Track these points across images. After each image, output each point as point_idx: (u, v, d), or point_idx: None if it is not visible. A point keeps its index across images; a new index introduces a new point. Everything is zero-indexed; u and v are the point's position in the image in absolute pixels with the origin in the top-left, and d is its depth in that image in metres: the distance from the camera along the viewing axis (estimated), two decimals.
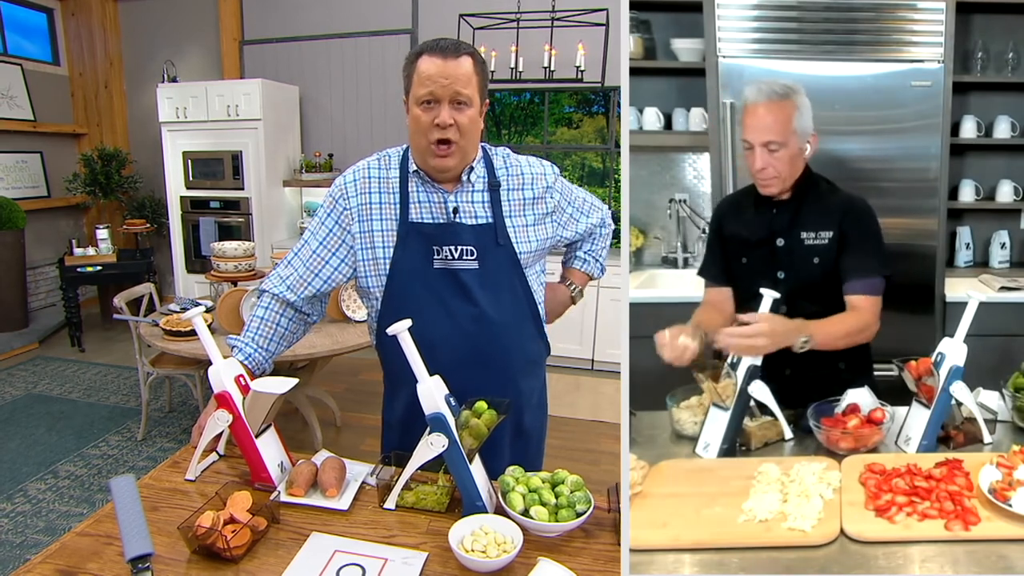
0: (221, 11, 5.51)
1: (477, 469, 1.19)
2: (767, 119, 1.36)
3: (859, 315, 1.35)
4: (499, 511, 1.17)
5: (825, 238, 1.40)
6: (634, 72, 2.36)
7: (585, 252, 1.68)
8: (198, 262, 5.39)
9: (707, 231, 1.57)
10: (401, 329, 1.15)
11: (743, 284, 1.47)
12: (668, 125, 2.52)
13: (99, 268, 4.93)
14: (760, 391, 1.26)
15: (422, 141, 1.32)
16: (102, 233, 5.10)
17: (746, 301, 1.42)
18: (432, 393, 1.15)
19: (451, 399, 1.18)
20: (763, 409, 1.29)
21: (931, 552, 0.97)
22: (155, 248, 5.67)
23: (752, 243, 1.46)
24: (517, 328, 1.45)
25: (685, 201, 2.56)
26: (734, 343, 1.27)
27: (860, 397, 1.28)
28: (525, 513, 1.14)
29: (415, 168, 1.39)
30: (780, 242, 1.44)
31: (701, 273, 1.57)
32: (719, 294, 1.53)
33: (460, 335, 1.39)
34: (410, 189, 1.39)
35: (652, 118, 2.49)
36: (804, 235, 1.41)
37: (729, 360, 1.29)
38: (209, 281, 3.55)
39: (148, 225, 5.59)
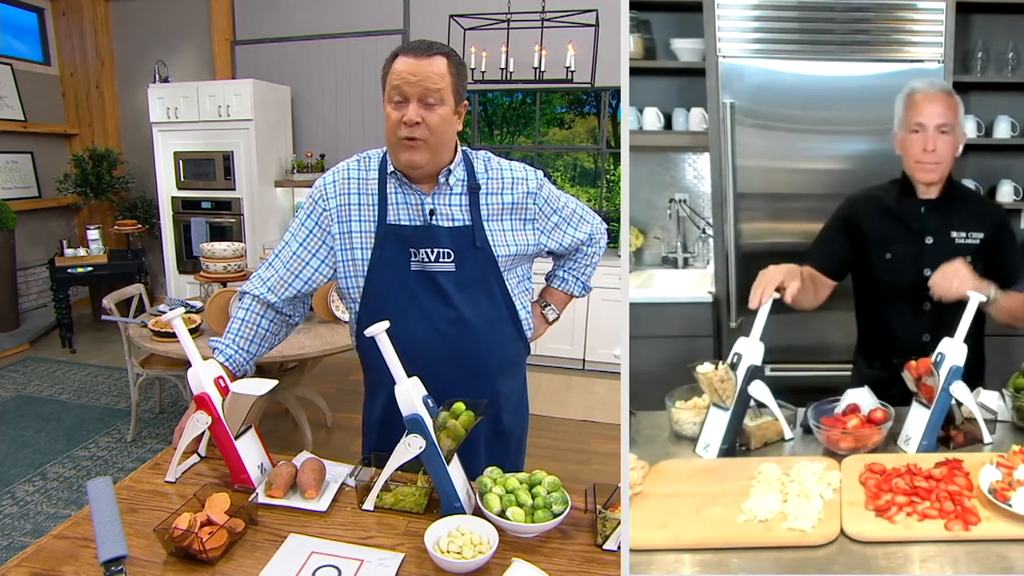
0: (213, 11, 5.50)
1: (455, 470, 1.19)
2: (940, 106, 1.41)
3: None
4: (477, 512, 1.17)
5: (977, 239, 1.43)
6: (634, 72, 2.37)
7: (565, 271, 1.66)
8: (190, 263, 5.38)
9: (829, 222, 1.57)
10: (379, 331, 1.15)
11: (884, 278, 1.50)
12: (668, 125, 2.52)
13: (90, 269, 4.92)
14: (760, 391, 1.27)
15: (392, 138, 1.33)
16: (93, 234, 5.08)
17: (884, 295, 1.50)
18: (410, 394, 1.16)
19: (429, 400, 1.19)
20: (763, 409, 1.29)
21: (931, 552, 0.97)
22: (147, 249, 5.66)
23: (898, 239, 1.48)
24: (495, 330, 1.45)
25: (685, 201, 2.57)
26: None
27: (860, 397, 1.28)
28: (502, 514, 1.14)
29: (392, 169, 1.39)
30: (929, 240, 1.46)
31: (810, 262, 1.53)
32: (819, 278, 1.52)
33: (438, 337, 1.39)
34: (388, 190, 1.39)
35: (652, 118, 2.49)
36: (955, 234, 1.44)
37: (729, 360, 1.29)
38: (199, 282, 3.55)
39: (139, 226, 5.58)
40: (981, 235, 1.43)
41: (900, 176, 1.50)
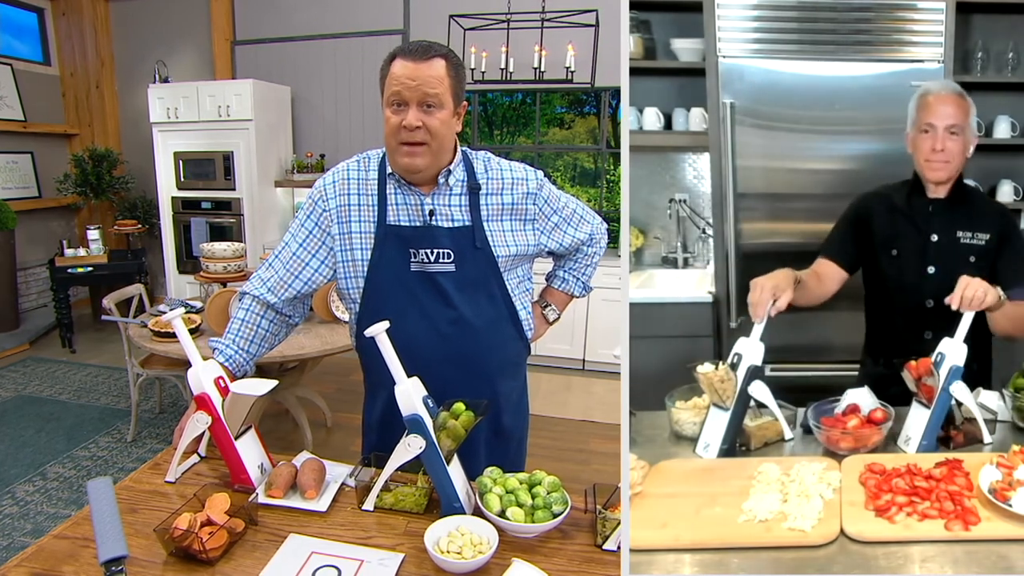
0: (213, 11, 5.50)
1: (455, 470, 1.19)
2: (951, 107, 1.43)
3: None
4: (477, 512, 1.17)
5: (983, 239, 1.45)
6: (634, 72, 2.37)
7: (566, 271, 1.66)
8: (190, 263, 5.38)
9: (842, 217, 1.60)
10: (379, 331, 1.15)
11: (889, 275, 1.53)
12: (668, 125, 2.52)
13: (90, 269, 4.92)
14: (760, 391, 1.26)
15: (392, 142, 1.33)
16: (93, 234, 5.08)
17: (889, 292, 1.52)
18: (410, 395, 1.16)
19: (429, 400, 1.19)
20: (763, 409, 1.29)
21: (931, 552, 0.97)
22: (147, 249, 5.66)
23: (904, 236, 1.51)
24: (495, 330, 1.45)
25: (685, 201, 2.57)
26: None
27: (860, 397, 1.28)
28: (502, 514, 1.14)
29: (391, 170, 1.38)
30: (934, 238, 1.48)
31: (823, 253, 1.56)
32: (831, 268, 1.54)
33: (438, 337, 1.39)
34: (388, 191, 1.39)
35: (652, 118, 2.49)
36: (960, 234, 1.46)
37: (729, 360, 1.29)
38: (199, 282, 3.55)
39: (139, 226, 5.58)
40: (987, 236, 1.45)
41: (912, 176, 1.52)
